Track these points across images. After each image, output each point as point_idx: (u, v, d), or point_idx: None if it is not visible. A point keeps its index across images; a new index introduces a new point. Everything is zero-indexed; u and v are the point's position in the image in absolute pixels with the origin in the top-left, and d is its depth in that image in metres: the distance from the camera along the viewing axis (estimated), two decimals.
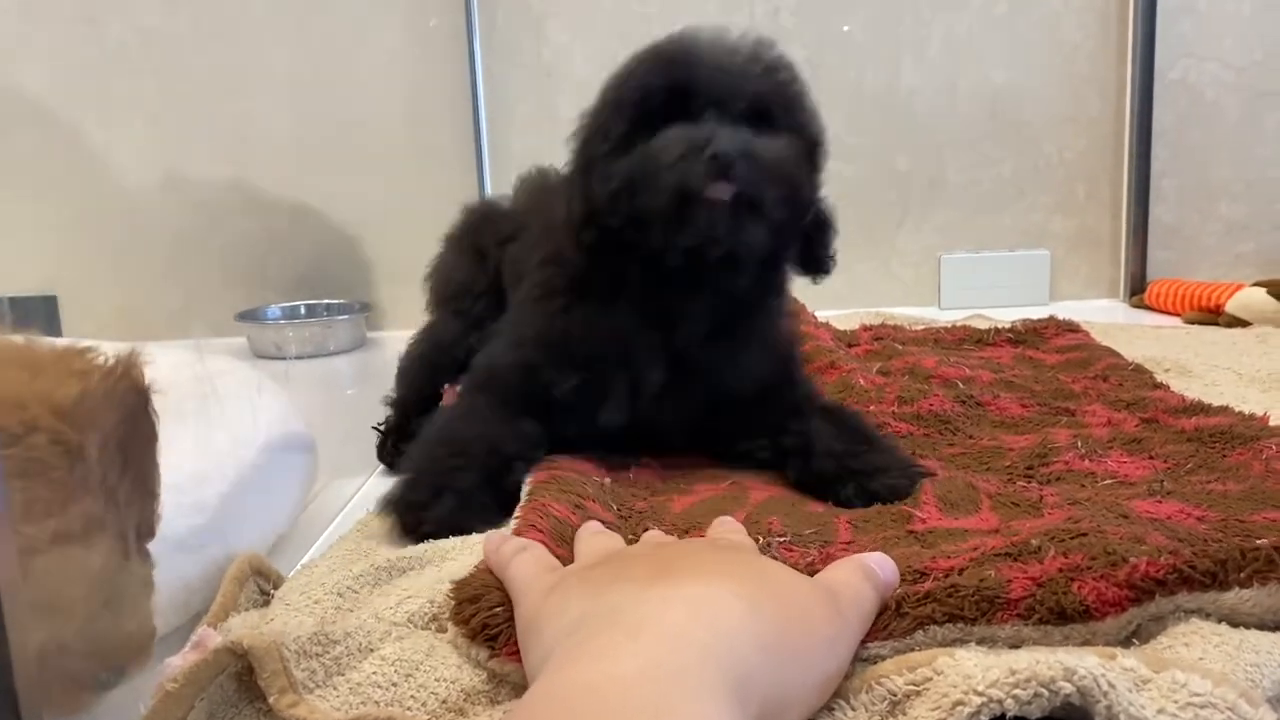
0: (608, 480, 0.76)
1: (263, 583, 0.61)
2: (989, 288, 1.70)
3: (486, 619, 0.50)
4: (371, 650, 0.49)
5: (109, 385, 0.51)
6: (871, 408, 0.94)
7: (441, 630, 0.54)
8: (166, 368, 0.86)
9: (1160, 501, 0.64)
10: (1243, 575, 0.48)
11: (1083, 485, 0.72)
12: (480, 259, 1.03)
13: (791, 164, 0.74)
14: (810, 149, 0.77)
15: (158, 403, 0.79)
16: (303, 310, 1.69)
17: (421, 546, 0.66)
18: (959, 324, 1.35)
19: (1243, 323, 1.37)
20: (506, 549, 0.55)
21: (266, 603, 0.59)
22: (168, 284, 1.76)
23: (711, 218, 0.71)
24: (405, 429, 0.95)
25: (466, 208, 1.12)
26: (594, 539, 0.57)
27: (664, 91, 0.73)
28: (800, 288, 0.90)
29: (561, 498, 0.68)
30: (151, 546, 0.58)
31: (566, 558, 0.58)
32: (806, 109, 0.78)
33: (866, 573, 0.49)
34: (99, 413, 0.50)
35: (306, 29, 1.68)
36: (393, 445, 0.96)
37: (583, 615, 0.42)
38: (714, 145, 0.69)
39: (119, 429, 0.51)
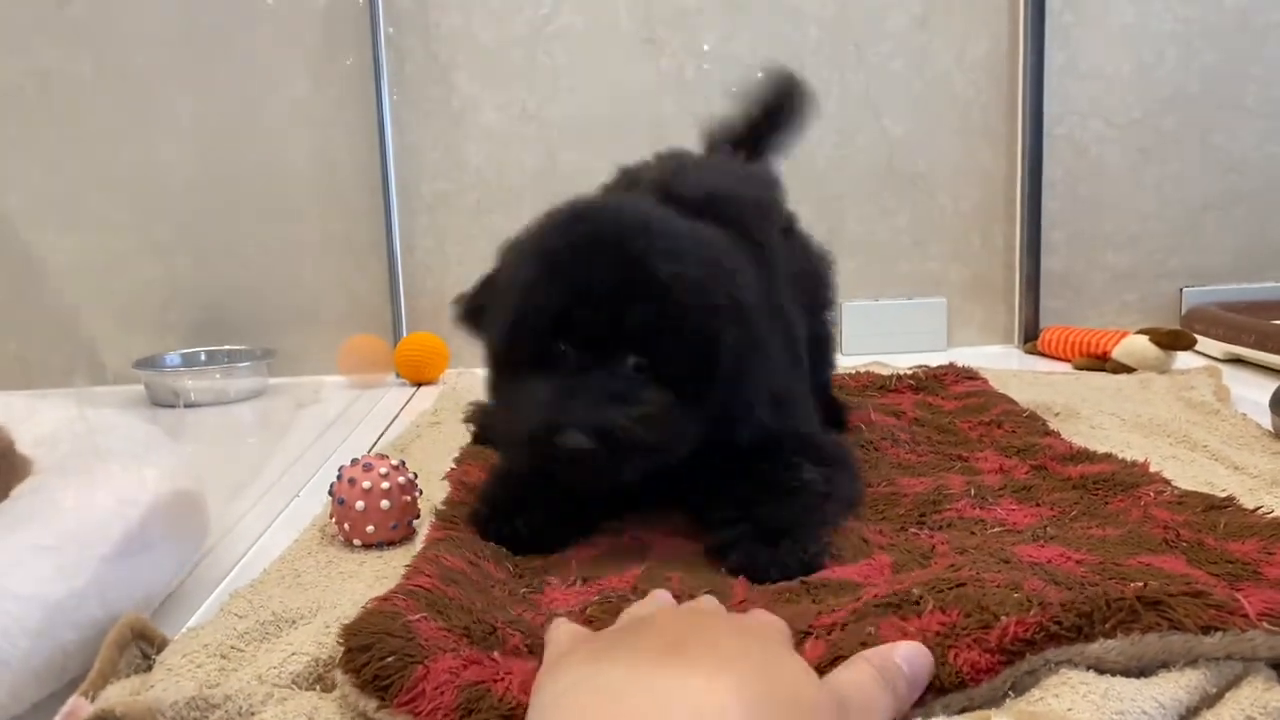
0: None
1: (145, 647, 0.58)
2: (889, 334, 1.74)
3: (378, 670, 0.49)
4: (252, 714, 0.48)
5: None
6: None
7: (326, 690, 0.53)
8: (52, 422, 0.85)
9: (1043, 546, 0.67)
10: (1107, 626, 0.49)
11: (972, 532, 0.74)
12: None
13: (666, 416, 0.68)
14: (710, 349, 0.69)
15: (42, 458, 0.77)
16: (203, 357, 1.65)
17: (310, 597, 0.65)
18: (862, 370, 1.38)
19: (1127, 369, 1.43)
20: (556, 633, 0.53)
21: (149, 668, 0.57)
22: (64, 330, 1.71)
23: (571, 468, 0.67)
24: None
25: None
26: (648, 605, 0.55)
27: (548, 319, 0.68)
28: None
29: (455, 552, 0.68)
30: (27, 610, 0.56)
31: (455, 596, 0.59)
32: (706, 320, 0.69)
33: (887, 676, 0.46)
34: None
35: (212, 75, 1.65)
36: None
37: (575, 683, 0.41)
38: (561, 436, 0.64)
39: None
